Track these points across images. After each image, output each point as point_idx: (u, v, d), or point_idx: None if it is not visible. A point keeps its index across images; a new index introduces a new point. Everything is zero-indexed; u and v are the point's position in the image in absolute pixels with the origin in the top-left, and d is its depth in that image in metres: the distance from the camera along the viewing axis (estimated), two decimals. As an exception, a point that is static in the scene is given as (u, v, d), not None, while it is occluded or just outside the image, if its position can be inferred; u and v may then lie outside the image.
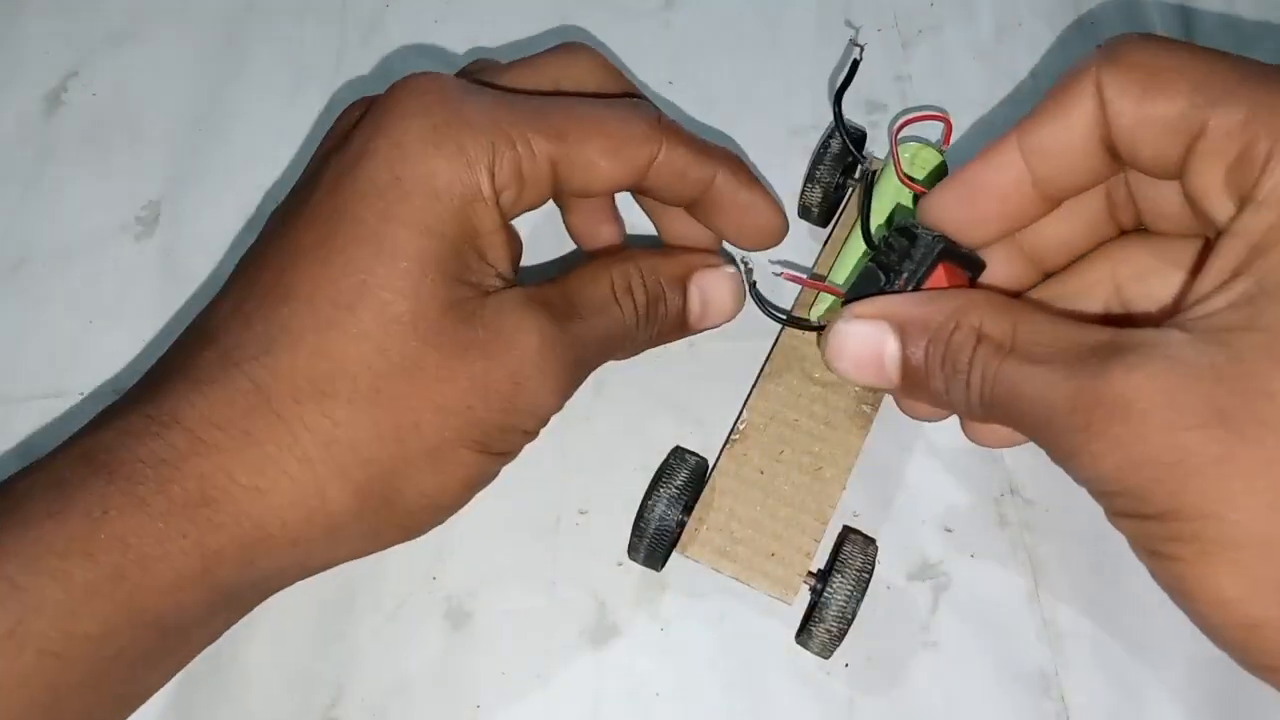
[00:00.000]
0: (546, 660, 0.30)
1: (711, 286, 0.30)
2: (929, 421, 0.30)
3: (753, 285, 0.30)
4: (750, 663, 0.30)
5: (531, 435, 0.28)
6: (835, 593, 0.28)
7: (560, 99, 0.28)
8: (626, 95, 0.30)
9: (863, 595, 0.28)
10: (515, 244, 0.28)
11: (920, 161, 0.32)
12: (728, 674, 0.30)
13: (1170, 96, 0.23)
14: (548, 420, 0.28)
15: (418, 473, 0.26)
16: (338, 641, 0.30)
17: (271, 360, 0.24)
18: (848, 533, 0.30)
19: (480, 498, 0.32)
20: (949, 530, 0.32)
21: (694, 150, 0.28)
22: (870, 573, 0.28)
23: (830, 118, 0.32)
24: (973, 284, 0.28)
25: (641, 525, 0.29)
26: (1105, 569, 0.31)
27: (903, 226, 0.28)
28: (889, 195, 0.31)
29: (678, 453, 0.30)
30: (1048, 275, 0.29)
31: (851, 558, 0.28)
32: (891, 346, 0.26)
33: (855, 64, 0.32)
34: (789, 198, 0.35)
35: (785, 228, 0.31)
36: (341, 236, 0.25)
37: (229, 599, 0.25)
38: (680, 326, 0.30)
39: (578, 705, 0.30)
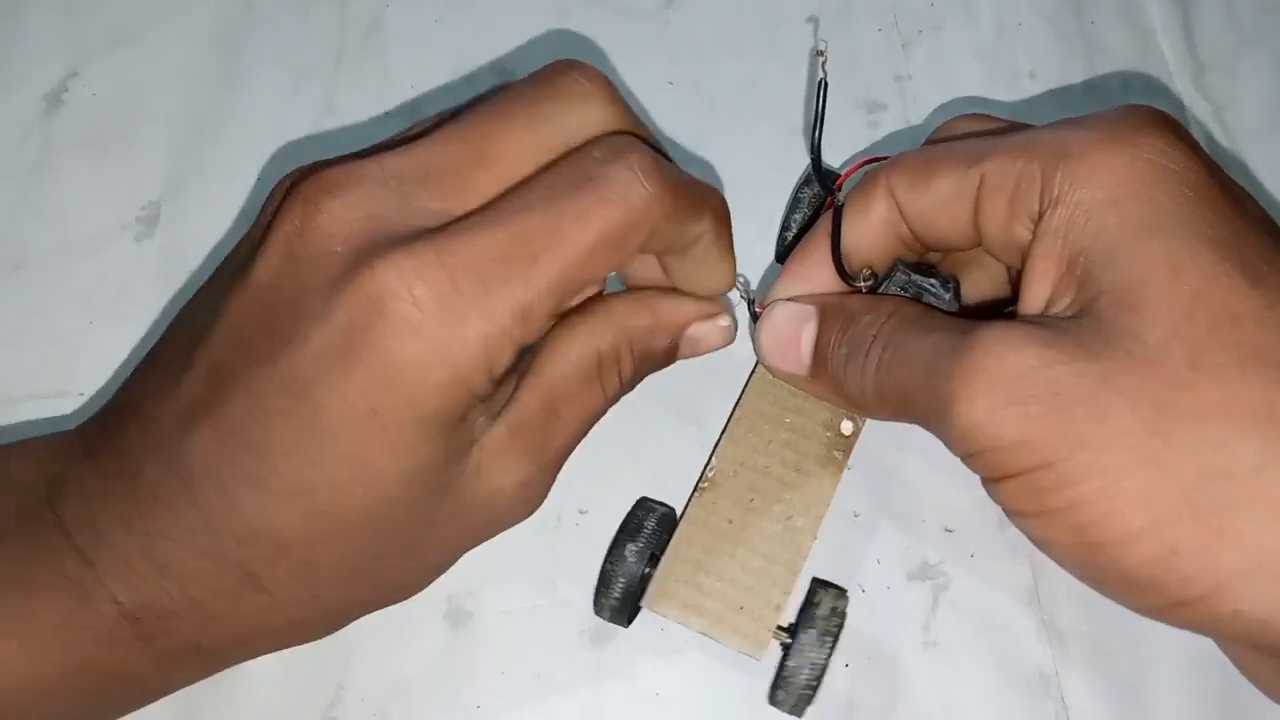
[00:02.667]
0: (546, 660, 0.30)
1: (703, 339, 0.29)
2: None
3: (751, 303, 0.30)
4: (750, 661, 0.30)
5: None
6: (804, 654, 0.27)
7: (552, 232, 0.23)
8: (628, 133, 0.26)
9: (832, 653, 0.27)
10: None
11: None
12: (727, 673, 0.30)
13: (947, 171, 0.27)
14: None
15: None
16: (338, 641, 0.30)
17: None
18: (817, 586, 0.29)
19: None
20: (949, 530, 0.32)
21: (688, 206, 0.25)
22: (840, 628, 0.27)
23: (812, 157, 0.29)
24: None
25: (606, 579, 0.28)
26: (1105, 569, 0.31)
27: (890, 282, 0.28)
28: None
29: (643, 504, 0.30)
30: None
31: (820, 614, 0.27)
32: (810, 328, 0.28)
33: (822, 89, 0.28)
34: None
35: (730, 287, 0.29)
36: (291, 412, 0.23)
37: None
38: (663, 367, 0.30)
39: (578, 705, 0.30)
